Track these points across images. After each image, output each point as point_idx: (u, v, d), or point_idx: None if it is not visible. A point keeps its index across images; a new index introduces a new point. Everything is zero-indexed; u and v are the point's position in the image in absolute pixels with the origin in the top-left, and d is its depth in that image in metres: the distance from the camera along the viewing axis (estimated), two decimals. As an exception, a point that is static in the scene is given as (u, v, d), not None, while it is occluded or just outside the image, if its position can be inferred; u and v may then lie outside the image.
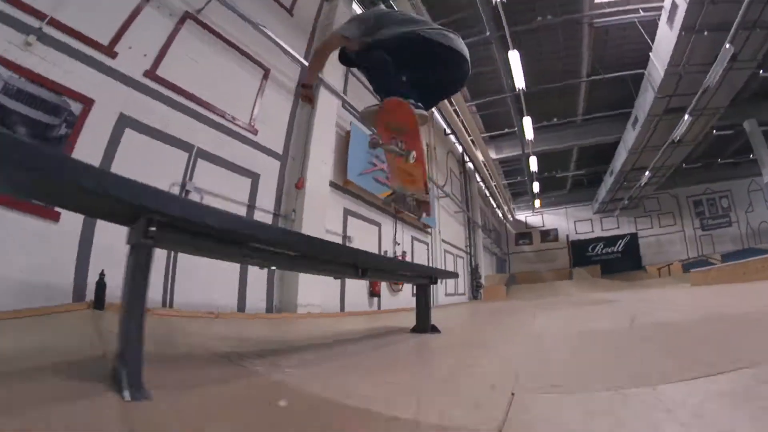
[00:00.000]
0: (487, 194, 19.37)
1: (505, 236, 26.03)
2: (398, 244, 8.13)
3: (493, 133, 17.55)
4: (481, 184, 17.94)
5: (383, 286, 7.28)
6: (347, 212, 6.62)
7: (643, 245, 23.56)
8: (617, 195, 20.75)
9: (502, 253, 24.36)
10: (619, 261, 23.32)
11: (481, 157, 15.29)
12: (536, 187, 19.61)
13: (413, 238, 9.14)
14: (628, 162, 15.87)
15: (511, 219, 25.67)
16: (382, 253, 7.38)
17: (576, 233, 25.18)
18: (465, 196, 14.43)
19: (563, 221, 25.76)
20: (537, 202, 23.18)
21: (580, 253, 24.22)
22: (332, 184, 6.07)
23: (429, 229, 10.15)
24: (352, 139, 6.72)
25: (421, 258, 9.51)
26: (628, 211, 23.62)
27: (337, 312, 5.66)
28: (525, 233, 26.24)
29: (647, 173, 16.06)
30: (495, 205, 21.60)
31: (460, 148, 14.38)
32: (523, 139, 15.04)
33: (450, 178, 12.98)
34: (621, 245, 23.95)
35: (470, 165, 15.57)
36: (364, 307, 6.66)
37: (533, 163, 16.79)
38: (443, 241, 11.21)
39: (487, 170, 16.71)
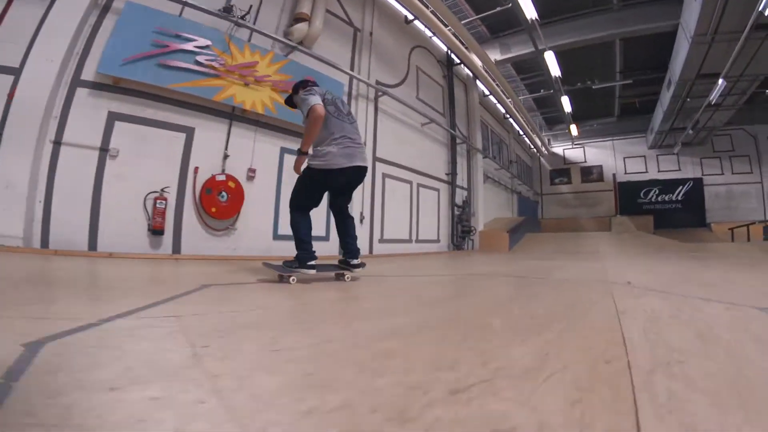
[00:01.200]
0: (506, 115, 16.21)
1: (538, 173, 23.27)
2: (227, 156, 5.92)
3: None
4: (492, 98, 15.24)
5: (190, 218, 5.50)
6: (114, 117, 4.92)
7: (709, 196, 19.89)
8: (678, 122, 17.37)
9: (533, 194, 21.31)
10: (677, 213, 20.12)
11: (477, 61, 12.55)
12: (567, 103, 16.32)
13: (287, 151, 6.79)
14: (691, 61, 12.20)
15: (546, 152, 22.95)
16: (193, 172, 5.54)
17: (625, 173, 21.77)
18: (449, 107, 11.94)
19: (610, 157, 22.40)
20: (573, 128, 20.13)
21: (630, 198, 20.74)
22: (87, 84, 4.76)
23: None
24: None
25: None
26: (693, 149, 20.01)
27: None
28: (562, 170, 23.30)
29: (720, 82, 12.16)
30: (520, 131, 18.27)
31: (444, 47, 11.80)
32: (529, 24, 11.60)
33: (417, 79, 10.61)
34: (681, 193, 20.41)
35: (467, 71, 13.09)
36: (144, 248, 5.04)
37: (553, 65, 13.67)
38: (380, 160, 8.84)
39: (490, 77, 13.86)
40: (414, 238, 9.79)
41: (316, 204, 3.32)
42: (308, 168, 3.17)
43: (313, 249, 3.18)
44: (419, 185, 10.12)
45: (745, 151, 19.76)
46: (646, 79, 16.70)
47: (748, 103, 15.96)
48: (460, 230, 11.40)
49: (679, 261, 5.92)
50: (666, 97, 15.51)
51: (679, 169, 20.81)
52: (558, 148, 23.51)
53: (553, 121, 22.22)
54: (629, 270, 4.43)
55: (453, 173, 11.53)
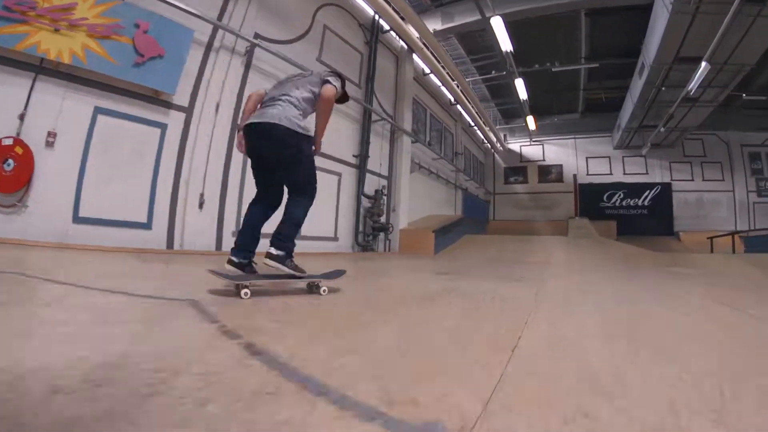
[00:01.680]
0: (453, 101, 14.29)
1: (492, 170, 21.11)
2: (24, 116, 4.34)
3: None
4: (435, 80, 13.10)
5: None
6: None
7: (678, 203, 18.41)
8: (649, 119, 15.46)
9: (484, 192, 19.02)
10: (643, 220, 18.38)
11: (413, 32, 10.59)
12: (521, 88, 13.89)
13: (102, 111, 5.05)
14: (670, 38, 10.30)
15: (501, 148, 20.78)
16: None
17: (588, 174, 19.77)
18: (369, 78, 9.59)
19: (571, 156, 20.38)
20: (530, 121, 17.87)
21: (592, 201, 18.54)
22: None
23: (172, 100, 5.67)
24: None
25: (146, 153, 5.47)
26: (662, 152, 18.56)
27: None
28: (518, 168, 21.07)
29: (703, 65, 10.17)
30: (471, 122, 16.03)
31: (370, 10, 9.69)
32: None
33: (322, 39, 8.43)
34: (648, 198, 18.66)
35: (402, 43, 11.07)
36: None
37: (503, 37, 11.30)
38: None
39: (430, 51, 11.71)
40: (314, 234, 7.60)
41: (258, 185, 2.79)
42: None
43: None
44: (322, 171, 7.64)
45: (717, 157, 18.56)
46: (616, 66, 14.71)
47: (723, 106, 14.62)
48: (371, 227, 8.83)
49: (659, 282, 4.35)
50: (637, 86, 13.53)
51: (647, 173, 19.22)
52: (514, 145, 21.31)
53: (510, 114, 20.14)
54: (580, 313, 2.44)
55: (363, 155, 9.06)
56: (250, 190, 2.85)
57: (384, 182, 9.85)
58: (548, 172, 20.24)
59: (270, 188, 2.73)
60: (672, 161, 18.87)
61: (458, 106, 15.13)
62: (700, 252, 12.11)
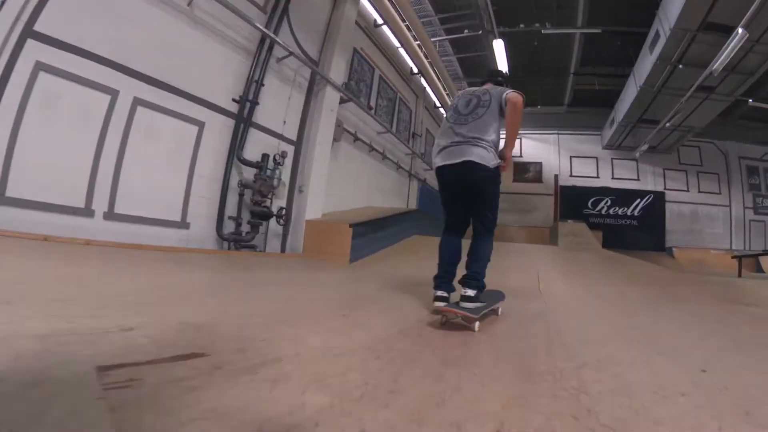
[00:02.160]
0: (414, 70, 11.84)
1: None
2: None
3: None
4: (392, 39, 10.43)
5: None
6: None
7: (671, 215, 16.27)
8: (652, 111, 12.76)
9: None
10: (632, 232, 15.86)
11: None
12: (500, 51, 10.78)
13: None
14: None
15: None
16: None
17: (571, 175, 17.06)
18: (283, 5, 6.54)
19: (552, 153, 17.59)
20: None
21: (575, 206, 15.70)
22: None
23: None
24: None
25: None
26: (655, 157, 16.50)
27: None
28: None
29: (740, 32, 7.41)
30: (437, 102, 14.08)
31: None
32: None
33: None
34: (639, 207, 16.17)
35: None
36: None
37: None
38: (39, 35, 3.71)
39: None
40: (103, 208, 4.36)
41: (448, 215, 2.97)
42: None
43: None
44: (145, 104, 4.70)
45: (714, 168, 16.92)
46: (617, 46, 12.29)
47: (721, 115, 13.38)
48: (251, 212, 5.59)
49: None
50: (646, 65, 10.82)
51: (638, 179, 16.84)
52: None
53: None
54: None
55: (249, 101, 5.76)
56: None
57: (287, 148, 6.60)
58: (525, 170, 17.28)
59: (462, 219, 2.87)
60: (666, 168, 16.78)
61: (421, 79, 12.11)
62: (703, 271, 10.07)
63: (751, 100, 12.90)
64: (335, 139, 7.46)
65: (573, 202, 15.86)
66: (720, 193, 16.72)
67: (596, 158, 17.03)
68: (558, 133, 17.44)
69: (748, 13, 7.10)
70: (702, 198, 16.69)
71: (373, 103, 9.45)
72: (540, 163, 17.24)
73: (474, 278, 2.52)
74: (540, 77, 15.36)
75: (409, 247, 7.12)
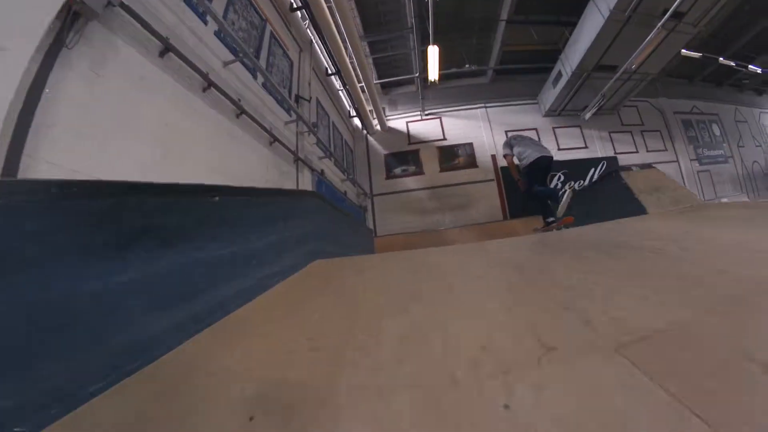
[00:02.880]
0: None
1: (366, 160, 13.67)
2: None
3: None
4: None
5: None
6: None
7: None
8: (614, 52, 11.21)
9: (359, 195, 12.37)
10: (597, 204, 12.04)
11: None
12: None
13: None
14: None
15: (379, 127, 13.83)
16: None
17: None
18: None
19: (483, 131, 14.15)
20: (432, 68, 11.10)
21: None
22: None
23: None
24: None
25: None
26: (599, 121, 14.98)
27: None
28: (406, 153, 13.78)
29: None
30: (330, 66, 10.36)
31: None
32: None
33: None
34: (595, 176, 13.80)
35: None
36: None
37: None
38: None
39: None
40: None
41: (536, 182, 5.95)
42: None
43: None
44: None
45: (655, 125, 16.60)
46: None
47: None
48: None
49: None
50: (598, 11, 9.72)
51: (586, 146, 14.45)
52: (398, 120, 14.38)
53: (391, 67, 13.50)
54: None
55: None
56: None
57: None
58: (453, 155, 13.62)
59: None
60: (612, 131, 15.20)
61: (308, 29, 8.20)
62: None
63: (721, 59, 13.47)
64: (77, 14, 3.08)
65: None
66: (666, 150, 16.35)
67: (536, 129, 14.20)
68: (485, 106, 14.37)
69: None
70: (652, 157, 15.70)
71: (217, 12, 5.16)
72: (470, 144, 13.79)
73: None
74: (465, 34, 12.41)
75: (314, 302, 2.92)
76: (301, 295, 2.04)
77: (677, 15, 9.68)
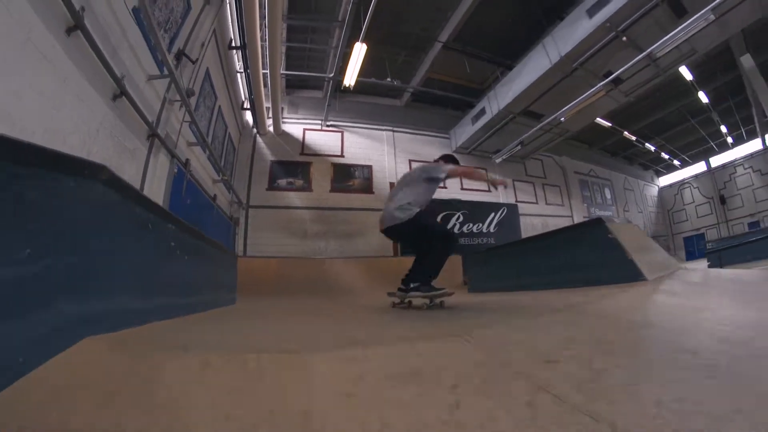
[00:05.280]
0: None
1: (249, 162, 11.78)
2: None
3: None
4: None
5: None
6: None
7: (525, 229, 14.67)
8: (545, 101, 11.23)
9: (231, 203, 9.99)
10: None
11: None
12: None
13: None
14: None
15: (271, 129, 12.16)
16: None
17: None
18: None
19: (387, 156, 13.37)
20: (352, 73, 10.41)
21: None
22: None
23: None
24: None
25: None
26: (506, 167, 15.17)
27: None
28: (296, 164, 12.27)
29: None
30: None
31: None
32: None
33: None
34: (494, 222, 13.62)
35: None
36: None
37: None
38: None
39: None
40: None
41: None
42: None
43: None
44: None
45: (556, 180, 17.83)
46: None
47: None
48: None
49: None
50: (578, 30, 9.25)
51: (489, 190, 14.28)
52: (295, 125, 12.88)
53: (304, 64, 12.17)
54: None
55: None
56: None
57: None
58: (349, 176, 12.42)
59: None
60: (515, 179, 15.49)
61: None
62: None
63: (625, 132, 17.39)
64: None
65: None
66: (563, 205, 17.42)
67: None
68: (393, 130, 13.66)
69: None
70: (549, 210, 16.70)
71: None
72: (369, 167, 12.79)
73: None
74: (396, 46, 11.65)
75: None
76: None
77: (617, 81, 10.04)
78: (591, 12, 9.00)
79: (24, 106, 2.94)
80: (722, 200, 24.96)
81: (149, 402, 1.07)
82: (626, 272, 3.57)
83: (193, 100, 6.74)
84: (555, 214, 16.72)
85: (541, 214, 16.07)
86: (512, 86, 11.26)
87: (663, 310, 2.35)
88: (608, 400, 1.00)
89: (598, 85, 10.04)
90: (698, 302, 2.60)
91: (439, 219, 12.55)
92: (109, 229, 1.73)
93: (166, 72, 5.22)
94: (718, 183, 24.43)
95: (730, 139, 21.49)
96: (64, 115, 3.44)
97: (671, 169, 27.39)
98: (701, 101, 16.42)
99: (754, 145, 22.09)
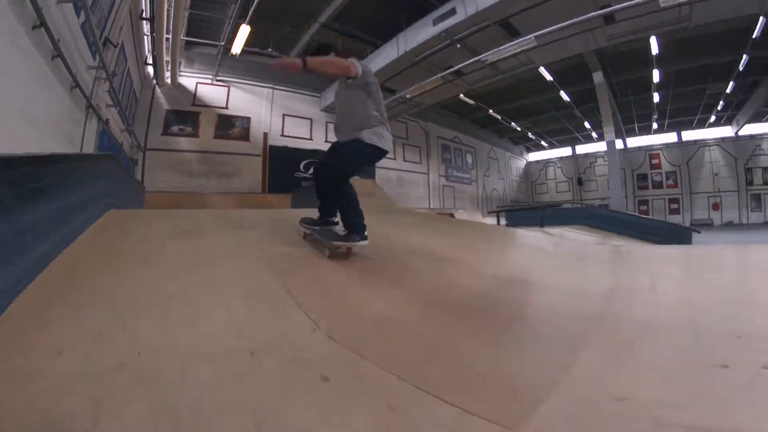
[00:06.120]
0: None
1: (148, 111, 13.73)
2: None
3: None
4: None
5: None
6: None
7: (381, 179, 17.96)
8: (398, 79, 14.34)
9: (132, 146, 12.85)
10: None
11: None
12: None
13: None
14: None
15: (168, 80, 14.17)
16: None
17: (282, 134, 16.20)
18: None
19: (264, 109, 16.04)
20: (237, 45, 12.61)
21: (285, 170, 15.55)
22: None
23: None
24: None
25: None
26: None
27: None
28: (188, 114, 14.49)
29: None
30: None
31: None
32: None
33: None
34: None
35: None
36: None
37: None
38: None
39: None
40: None
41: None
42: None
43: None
44: None
45: (418, 142, 21.98)
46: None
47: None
48: None
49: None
50: (422, 33, 11.94)
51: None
52: (190, 79, 15.01)
53: (203, 27, 13.79)
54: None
55: None
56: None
57: None
58: (230, 126, 15.12)
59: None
60: None
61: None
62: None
63: (491, 110, 21.16)
64: None
65: (284, 164, 15.71)
66: (421, 163, 22.09)
67: (311, 119, 16.99)
68: (273, 87, 16.30)
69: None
70: (406, 166, 21.00)
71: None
72: (248, 119, 15.55)
73: None
74: (279, 20, 13.72)
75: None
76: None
77: (459, 73, 13.05)
78: (435, 22, 11.75)
79: (42, 111, 4.72)
80: (580, 182, 32.23)
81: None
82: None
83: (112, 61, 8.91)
84: (411, 170, 21.25)
85: (398, 169, 20.28)
86: (372, 66, 13.70)
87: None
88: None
89: (438, 75, 13.06)
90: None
91: (301, 166, 15.77)
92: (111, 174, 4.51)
93: (98, 59, 7.23)
94: (580, 167, 31.77)
95: (594, 134, 26.56)
96: (53, 110, 5.30)
97: (540, 148, 33.01)
98: (564, 99, 20.11)
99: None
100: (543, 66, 15.19)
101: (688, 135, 29.42)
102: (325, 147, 15.66)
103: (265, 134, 15.14)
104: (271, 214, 5.13)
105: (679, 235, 12.21)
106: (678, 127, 28.69)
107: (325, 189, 3.23)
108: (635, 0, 9.25)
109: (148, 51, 13.07)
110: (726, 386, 1.28)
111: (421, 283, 2.63)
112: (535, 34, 10.52)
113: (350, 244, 3.01)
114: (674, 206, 30.22)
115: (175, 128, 14.36)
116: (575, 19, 10.05)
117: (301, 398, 1.22)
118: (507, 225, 12.41)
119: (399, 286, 2.45)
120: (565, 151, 32.99)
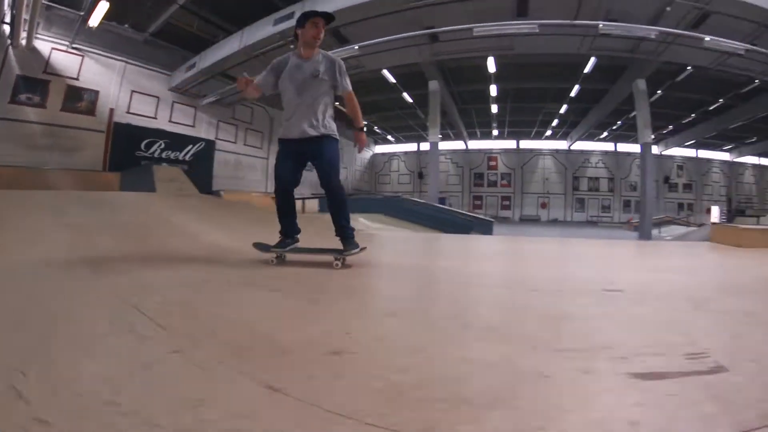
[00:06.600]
0: None
1: None
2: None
3: None
4: None
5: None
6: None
7: (218, 162, 23.04)
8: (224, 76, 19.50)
9: None
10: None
11: None
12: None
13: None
14: None
15: (23, 41, 15.35)
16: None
17: (128, 112, 19.09)
18: None
19: (114, 83, 18.31)
20: (95, 19, 15.75)
21: (127, 148, 18.53)
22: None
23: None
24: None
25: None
26: (215, 109, 22.62)
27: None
28: (38, 82, 16.08)
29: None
30: None
31: None
32: None
33: None
34: (191, 153, 21.06)
35: None
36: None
37: None
38: None
39: None
40: None
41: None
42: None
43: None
44: None
45: (261, 127, 26.17)
46: None
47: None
48: None
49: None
50: (235, 40, 17.47)
51: (194, 126, 21.74)
52: (44, 42, 16.15)
53: None
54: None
55: None
56: None
57: None
58: (78, 98, 17.26)
59: None
60: (220, 120, 23.01)
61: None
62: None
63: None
64: None
65: (127, 142, 18.40)
66: (262, 148, 26.00)
67: (158, 98, 19.75)
68: (126, 62, 18.38)
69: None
70: (246, 150, 24.97)
71: None
72: (97, 92, 17.78)
73: None
74: None
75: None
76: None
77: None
78: (276, 22, 14.70)
79: None
80: (420, 175, 39.98)
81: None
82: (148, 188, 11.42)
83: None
84: (251, 154, 25.24)
85: (237, 152, 24.24)
86: (217, 52, 17.39)
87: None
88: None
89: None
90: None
91: (143, 145, 18.71)
92: None
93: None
94: (422, 162, 38.83)
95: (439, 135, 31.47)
96: None
97: (386, 142, 40.47)
98: (406, 100, 26.03)
99: (456, 145, 40.03)
100: (386, 69, 19.98)
101: (527, 144, 39.25)
102: (168, 128, 19.15)
103: (112, 110, 17.32)
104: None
105: (481, 227, 17.22)
106: (517, 136, 37.42)
107: (288, 206, 3.99)
108: (452, 27, 13.45)
109: (8, 6, 13.41)
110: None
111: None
112: (360, 44, 14.30)
113: (358, 251, 3.79)
114: (506, 203, 39.56)
115: (23, 96, 15.55)
116: (399, 35, 13.90)
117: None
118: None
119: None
120: (411, 147, 40.97)
